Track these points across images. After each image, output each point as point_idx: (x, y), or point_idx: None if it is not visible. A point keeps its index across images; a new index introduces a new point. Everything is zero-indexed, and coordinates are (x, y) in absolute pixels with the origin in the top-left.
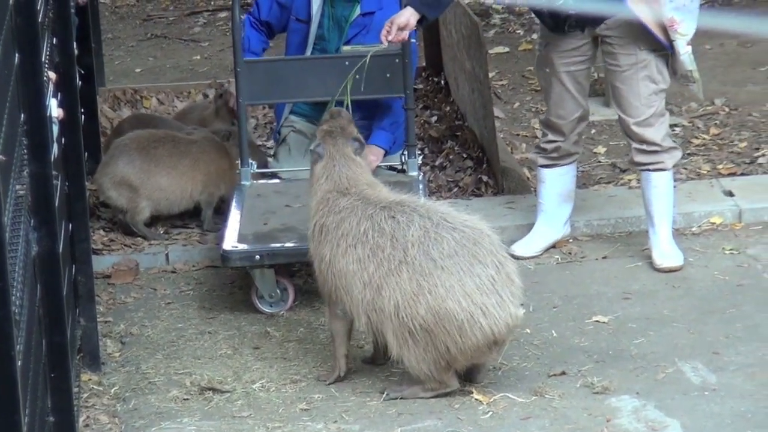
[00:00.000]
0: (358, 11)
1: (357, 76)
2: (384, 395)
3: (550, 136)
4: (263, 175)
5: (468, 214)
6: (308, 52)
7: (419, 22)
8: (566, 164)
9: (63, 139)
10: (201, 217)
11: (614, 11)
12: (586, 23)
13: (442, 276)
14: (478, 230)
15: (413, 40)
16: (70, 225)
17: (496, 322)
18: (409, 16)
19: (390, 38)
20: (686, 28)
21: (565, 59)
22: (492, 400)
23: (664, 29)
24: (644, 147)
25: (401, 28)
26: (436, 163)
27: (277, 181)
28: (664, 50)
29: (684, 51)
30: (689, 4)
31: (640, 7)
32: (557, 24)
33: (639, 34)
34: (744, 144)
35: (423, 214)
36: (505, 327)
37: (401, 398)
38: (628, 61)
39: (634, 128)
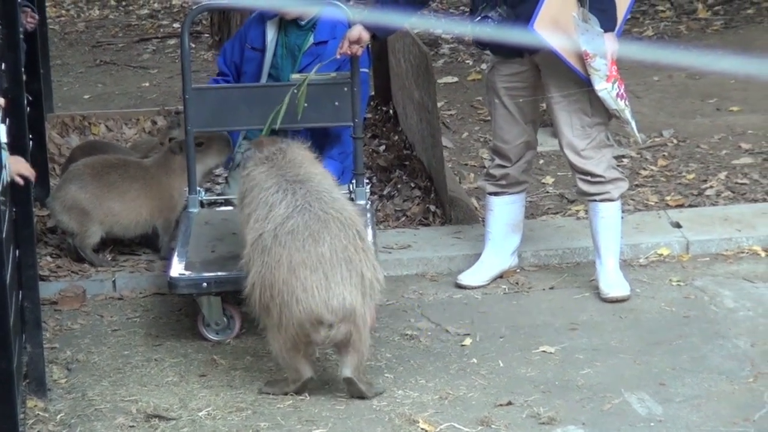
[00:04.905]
0: (311, 40)
1: (306, 105)
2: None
3: (497, 161)
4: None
5: (350, 205)
6: (263, 81)
7: (373, 38)
8: (514, 193)
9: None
10: (159, 243)
11: (525, 40)
12: (524, 48)
13: (277, 250)
14: (335, 216)
15: (366, 70)
16: (17, 251)
17: (315, 299)
18: (360, 30)
19: (341, 51)
20: (598, 64)
21: (507, 83)
22: (438, 429)
23: (583, 62)
24: (588, 178)
25: (353, 42)
26: (384, 192)
27: (224, 208)
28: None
29: (601, 88)
30: (597, 39)
31: (554, 36)
32: (499, 47)
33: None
34: (692, 176)
35: (298, 195)
36: (325, 307)
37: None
38: (560, 92)
39: (572, 160)
